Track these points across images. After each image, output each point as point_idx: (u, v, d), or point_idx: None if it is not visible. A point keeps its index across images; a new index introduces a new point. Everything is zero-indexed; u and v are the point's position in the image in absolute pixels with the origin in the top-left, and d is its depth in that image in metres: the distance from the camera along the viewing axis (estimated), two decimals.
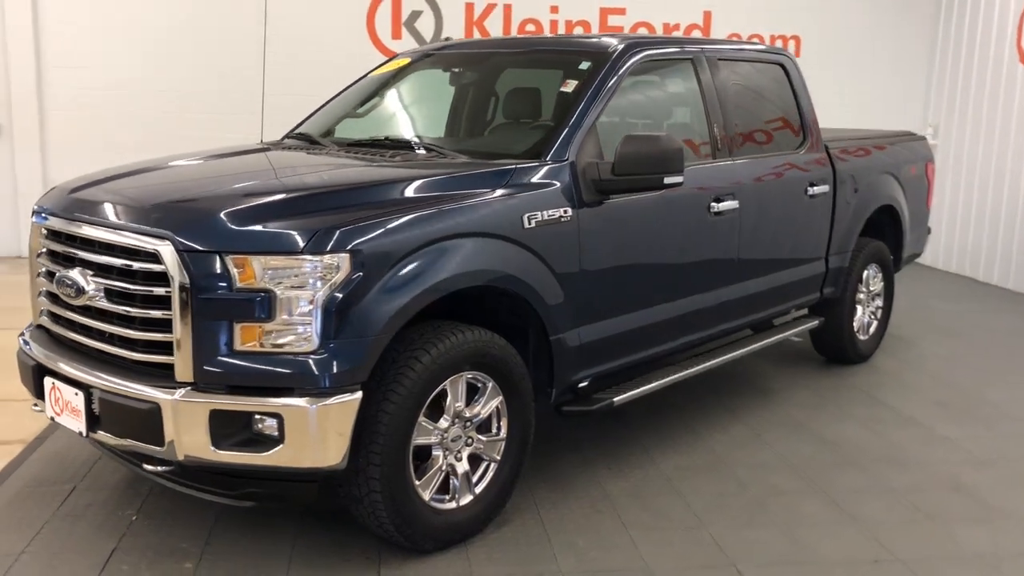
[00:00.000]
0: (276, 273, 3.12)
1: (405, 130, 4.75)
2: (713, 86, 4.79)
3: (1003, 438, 4.98)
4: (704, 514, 3.98)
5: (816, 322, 5.79)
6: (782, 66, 5.44)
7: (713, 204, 4.58)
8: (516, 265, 3.66)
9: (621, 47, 4.38)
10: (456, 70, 4.98)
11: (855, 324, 6.13)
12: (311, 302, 3.12)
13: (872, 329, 6.38)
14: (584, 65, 4.34)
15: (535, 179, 3.84)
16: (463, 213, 3.53)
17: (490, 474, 3.75)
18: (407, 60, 5.17)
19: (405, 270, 3.29)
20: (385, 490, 3.32)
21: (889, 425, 5.11)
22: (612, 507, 4.03)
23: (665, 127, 4.83)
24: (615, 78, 4.26)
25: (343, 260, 3.15)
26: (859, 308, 6.20)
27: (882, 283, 6.40)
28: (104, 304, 3.36)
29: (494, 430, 3.76)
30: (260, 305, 3.11)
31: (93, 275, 3.39)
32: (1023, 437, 5.01)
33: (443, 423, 3.53)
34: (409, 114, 4.86)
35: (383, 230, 3.27)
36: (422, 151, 4.22)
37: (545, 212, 3.77)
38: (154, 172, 4.02)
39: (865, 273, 6.16)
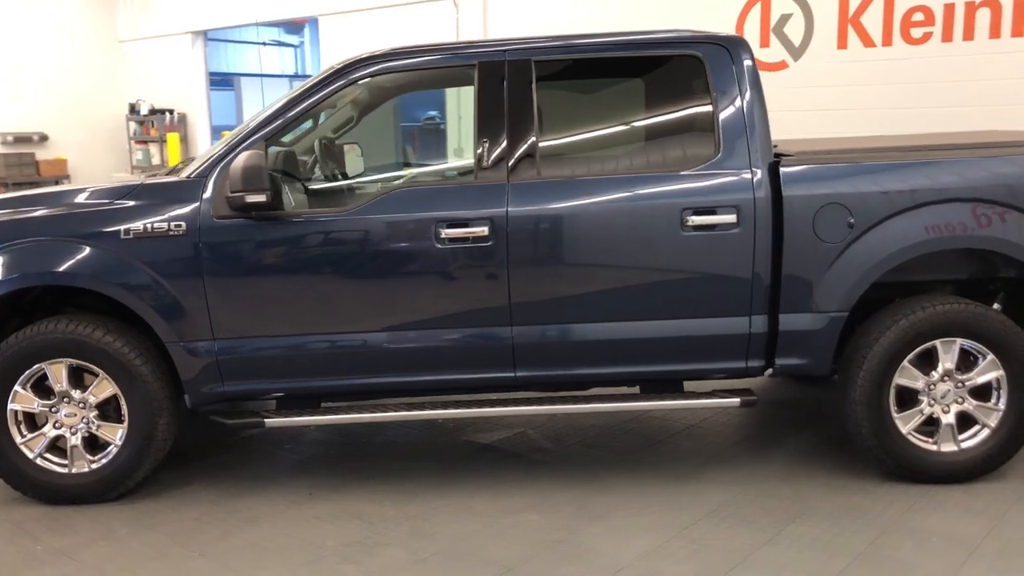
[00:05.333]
0: None
1: None
2: (503, 96, 4.12)
3: None
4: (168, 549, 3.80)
5: (737, 401, 4.26)
6: (700, 60, 4.19)
7: (444, 230, 4.04)
8: (104, 270, 4.07)
9: (342, 64, 4.21)
10: None
11: (904, 423, 4.24)
12: None
13: (976, 438, 4.28)
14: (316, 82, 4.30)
15: (160, 193, 4.15)
16: (55, 221, 4.13)
17: (108, 457, 4.24)
18: None
19: None
20: None
21: None
22: (213, 518, 4.09)
23: (392, 142, 4.36)
24: (314, 96, 4.16)
25: None
26: (922, 400, 4.26)
27: (1000, 370, 4.22)
28: None
29: (122, 417, 4.24)
30: None
31: None
32: None
33: (52, 400, 4.20)
34: None
35: None
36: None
37: (148, 224, 4.07)
38: None
39: (938, 350, 4.19)
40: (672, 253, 4.07)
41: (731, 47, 4.16)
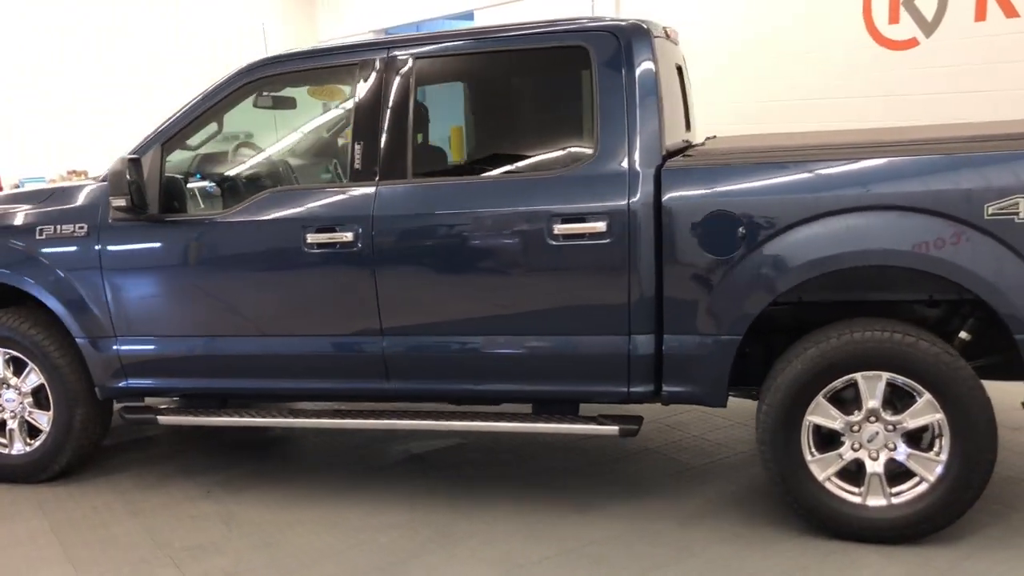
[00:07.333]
0: None
1: None
2: (379, 95, 3.97)
3: None
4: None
5: (615, 428, 3.83)
6: (586, 51, 3.80)
7: (310, 235, 3.97)
8: (21, 268, 4.36)
9: (236, 71, 4.23)
10: None
11: (820, 468, 3.67)
12: None
13: (912, 492, 3.61)
14: None
15: (74, 196, 4.38)
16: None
17: (38, 441, 4.57)
18: None
19: None
20: None
21: None
22: (107, 508, 4.28)
23: (284, 146, 4.30)
24: (210, 103, 4.20)
25: None
26: (845, 443, 3.66)
27: (939, 413, 3.53)
28: None
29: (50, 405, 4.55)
30: None
31: None
32: None
33: None
34: None
35: None
36: None
37: (58, 226, 4.31)
38: None
39: (860, 385, 3.58)
40: (540, 264, 3.73)
41: (623, 36, 3.71)
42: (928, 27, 7.75)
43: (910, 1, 7.83)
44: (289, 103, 4.95)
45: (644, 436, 4.82)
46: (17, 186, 10.69)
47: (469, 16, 13.93)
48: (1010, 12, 7.20)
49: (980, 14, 7.39)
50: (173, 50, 12.48)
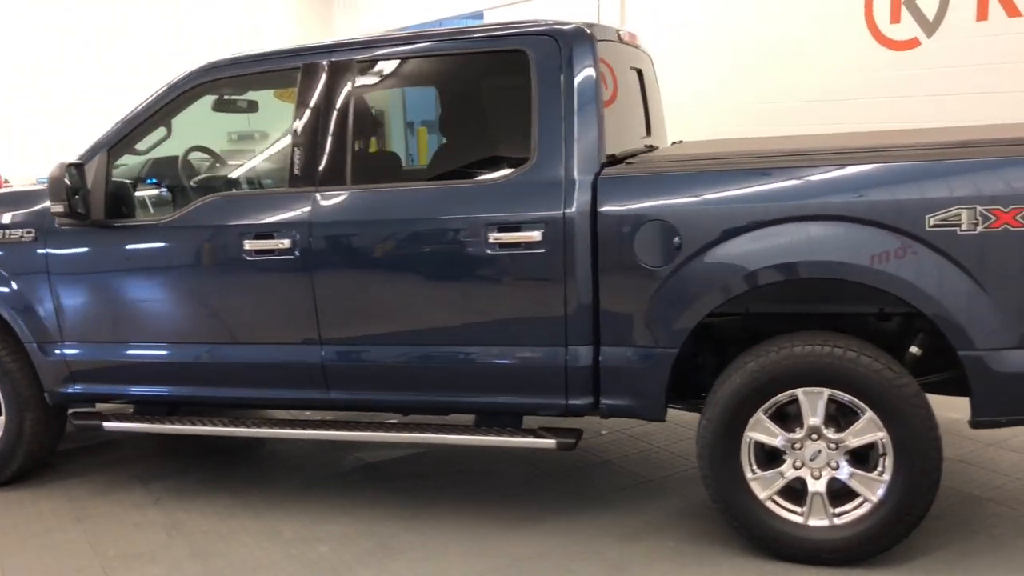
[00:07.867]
0: None
1: None
2: (319, 99, 3.91)
3: None
4: None
5: (552, 442, 3.74)
6: (525, 55, 3.71)
7: (247, 242, 3.93)
8: None
9: (184, 75, 4.19)
10: None
11: (761, 487, 3.56)
12: None
13: (855, 512, 3.48)
14: None
15: (24, 201, 4.37)
16: None
17: None
18: None
19: None
20: None
21: None
22: (53, 514, 4.27)
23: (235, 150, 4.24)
24: (156, 108, 4.17)
25: None
26: (787, 461, 3.55)
27: (882, 431, 3.40)
28: None
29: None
30: None
31: None
32: None
33: None
34: None
35: None
36: None
37: (6, 231, 4.31)
38: None
39: (801, 401, 3.45)
40: (476, 273, 3.66)
41: (563, 40, 3.62)
42: (929, 27, 7.55)
43: (911, 0, 7.62)
44: (252, 107, 4.92)
45: (604, 447, 4.74)
46: (35, 183, 10.75)
47: (479, 16, 13.86)
48: (1012, 12, 6.99)
49: (982, 14, 7.19)
50: (173, 50, 12.45)
